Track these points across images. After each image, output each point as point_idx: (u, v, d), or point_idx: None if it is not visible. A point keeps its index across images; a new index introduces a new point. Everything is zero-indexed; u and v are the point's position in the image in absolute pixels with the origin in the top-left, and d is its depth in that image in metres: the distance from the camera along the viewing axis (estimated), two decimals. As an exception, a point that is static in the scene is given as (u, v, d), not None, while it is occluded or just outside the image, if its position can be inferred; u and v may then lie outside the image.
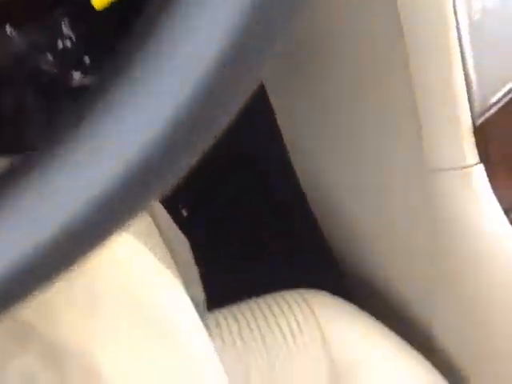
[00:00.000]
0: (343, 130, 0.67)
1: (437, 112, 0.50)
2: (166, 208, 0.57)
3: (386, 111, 0.56)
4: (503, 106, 0.47)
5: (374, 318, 0.62)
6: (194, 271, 0.60)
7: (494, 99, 0.48)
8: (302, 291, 0.64)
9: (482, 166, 0.50)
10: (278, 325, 0.61)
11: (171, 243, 0.53)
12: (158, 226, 0.52)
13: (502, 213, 0.50)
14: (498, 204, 0.50)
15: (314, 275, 0.82)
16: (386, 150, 0.59)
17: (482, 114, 0.48)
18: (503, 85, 0.48)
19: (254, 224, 0.99)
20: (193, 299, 0.45)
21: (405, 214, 0.61)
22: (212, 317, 0.62)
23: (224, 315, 0.63)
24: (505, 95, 0.48)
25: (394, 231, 0.65)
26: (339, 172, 0.72)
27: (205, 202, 1.04)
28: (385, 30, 0.51)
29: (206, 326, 0.49)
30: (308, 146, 0.75)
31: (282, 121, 0.75)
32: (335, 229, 0.79)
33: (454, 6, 0.44)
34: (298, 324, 0.60)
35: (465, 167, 0.50)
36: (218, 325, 0.61)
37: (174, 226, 0.57)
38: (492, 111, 0.48)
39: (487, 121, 0.48)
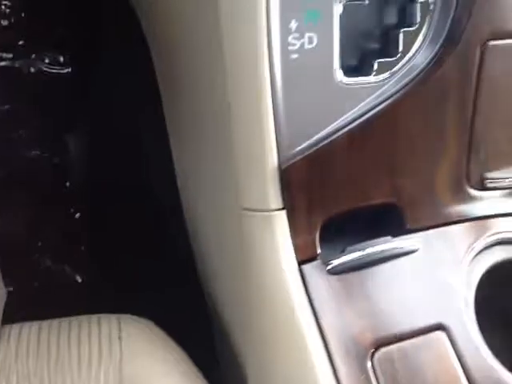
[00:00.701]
0: (198, 161, 0.68)
1: (247, 154, 0.49)
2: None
3: (218, 148, 0.56)
4: (310, 154, 0.47)
5: (179, 348, 0.61)
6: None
7: (301, 147, 0.47)
8: (121, 316, 0.62)
9: (284, 213, 0.49)
10: (78, 347, 0.58)
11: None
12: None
13: (295, 264, 0.49)
14: (293, 254, 0.49)
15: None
16: (220, 186, 0.59)
17: (289, 160, 0.47)
18: (311, 133, 0.47)
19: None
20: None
21: (229, 241, 0.60)
22: (10, 328, 0.60)
23: (27, 329, 0.60)
24: (312, 144, 0.47)
25: (222, 256, 0.65)
26: (199, 203, 0.72)
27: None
28: (213, 77, 0.51)
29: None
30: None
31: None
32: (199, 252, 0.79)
33: (270, 47, 0.44)
34: (100, 349, 0.57)
35: (268, 211, 0.49)
36: (13, 336, 0.59)
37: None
38: (298, 158, 0.47)
39: (293, 167, 0.47)
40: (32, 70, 1.08)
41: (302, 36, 0.44)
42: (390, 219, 0.52)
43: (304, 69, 0.45)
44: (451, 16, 0.45)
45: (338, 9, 0.44)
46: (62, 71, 1.10)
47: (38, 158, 1.09)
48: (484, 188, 0.53)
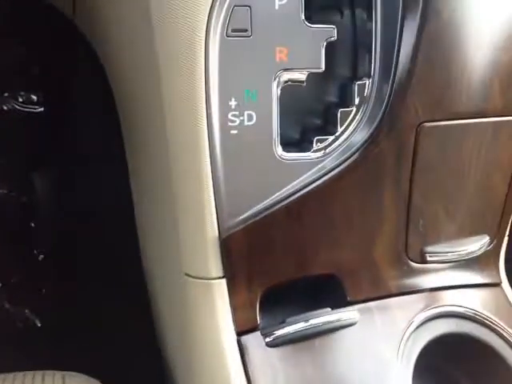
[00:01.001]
0: (152, 217, 0.68)
1: (188, 223, 0.49)
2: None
3: (165, 211, 0.56)
4: (249, 225, 0.47)
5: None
6: None
7: (241, 217, 0.48)
8: (67, 373, 0.61)
9: (224, 281, 0.50)
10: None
11: None
12: None
13: (234, 335, 0.49)
14: (232, 325, 0.49)
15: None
16: (168, 248, 0.59)
17: (229, 230, 0.48)
18: (251, 205, 0.48)
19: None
20: None
21: (176, 304, 0.60)
22: None
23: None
24: (252, 216, 0.48)
25: (171, 317, 0.65)
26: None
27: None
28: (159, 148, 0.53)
29: None
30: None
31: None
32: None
33: (209, 124, 0.45)
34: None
35: (208, 279, 0.50)
36: None
37: None
38: (238, 228, 0.47)
39: (233, 237, 0.48)
40: (4, 107, 1.09)
41: (242, 113, 0.46)
42: (330, 290, 0.52)
43: (244, 144, 0.47)
44: (386, 100, 0.47)
45: (275, 88, 0.46)
46: (34, 110, 1.10)
47: (5, 197, 1.09)
48: (424, 261, 0.54)
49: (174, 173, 0.49)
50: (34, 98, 1.09)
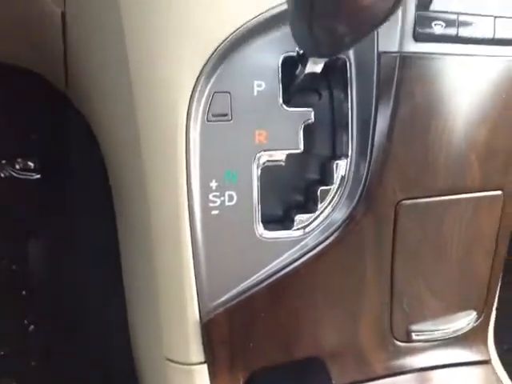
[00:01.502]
0: (137, 295, 0.68)
1: (169, 307, 0.49)
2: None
3: (152, 298, 0.55)
4: (230, 308, 0.47)
5: None
6: None
7: (221, 299, 0.47)
8: None
9: (205, 366, 0.48)
10: None
11: None
12: None
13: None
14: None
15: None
16: (151, 332, 0.58)
17: (210, 313, 0.47)
18: (232, 286, 0.47)
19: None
20: None
21: None
22: None
23: None
24: (233, 297, 0.47)
25: None
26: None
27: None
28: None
29: None
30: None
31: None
32: None
33: (190, 204, 0.46)
34: None
35: (189, 364, 0.48)
36: None
37: None
38: (219, 311, 0.46)
39: (214, 321, 0.46)
40: (1, 174, 1.10)
41: (223, 194, 0.46)
42: (315, 373, 0.51)
43: (225, 224, 0.47)
44: (363, 179, 0.48)
45: (255, 169, 0.47)
46: (31, 177, 1.11)
47: (-3, 264, 1.08)
48: (410, 341, 0.53)
49: (156, 254, 0.49)
50: (31, 164, 1.11)
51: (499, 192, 0.55)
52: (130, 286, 0.72)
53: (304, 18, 0.32)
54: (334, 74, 0.50)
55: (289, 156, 0.48)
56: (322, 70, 0.49)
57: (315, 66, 0.41)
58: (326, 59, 0.40)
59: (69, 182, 1.07)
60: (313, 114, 0.48)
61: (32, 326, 1.07)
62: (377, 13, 0.31)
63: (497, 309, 0.62)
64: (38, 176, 1.12)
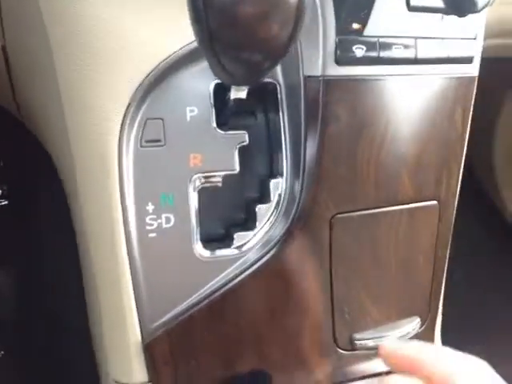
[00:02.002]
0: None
1: (111, 329, 0.50)
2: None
3: (98, 322, 0.56)
4: (171, 328, 0.48)
5: None
6: None
7: (162, 320, 0.48)
8: None
9: (151, 386, 0.49)
10: None
11: None
12: None
13: None
14: None
15: None
16: (103, 353, 0.59)
17: (151, 334, 0.48)
18: (172, 307, 0.48)
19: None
20: None
21: None
22: None
23: None
24: (173, 318, 0.48)
25: None
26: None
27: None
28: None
29: None
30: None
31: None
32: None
33: (126, 227, 0.46)
34: None
35: (134, 385, 0.49)
36: None
37: None
38: (161, 332, 0.48)
39: (156, 342, 0.48)
40: (-30, 202, 1.10)
41: (159, 217, 0.48)
42: (261, 385, 0.52)
43: (163, 246, 0.48)
44: (298, 196, 0.50)
45: (192, 192, 0.48)
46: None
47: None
48: (354, 349, 0.54)
49: (97, 278, 0.50)
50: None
51: (434, 202, 0.58)
52: (90, 309, 0.73)
53: (209, 51, 0.34)
54: (268, 96, 0.52)
55: (227, 176, 0.50)
56: (257, 93, 0.52)
57: (239, 93, 0.43)
58: (247, 86, 0.42)
59: (34, 208, 1.08)
60: (247, 135, 0.50)
61: (1, 352, 1.06)
62: (277, 43, 0.33)
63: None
64: (6, 202, 1.12)
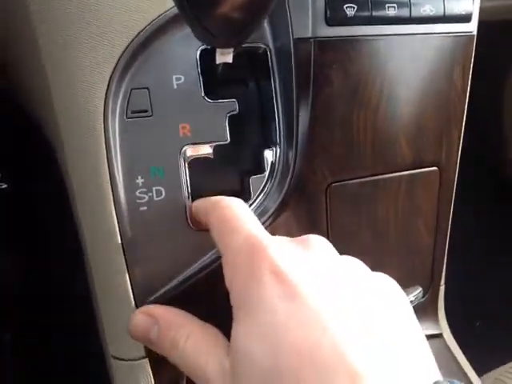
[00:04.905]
0: None
1: (107, 306, 0.49)
2: None
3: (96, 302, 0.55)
4: (168, 300, 0.47)
5: None
6: None
7: (159, 293, 0.47)
8: None
9: (147, 361, 0.48)
10: None
11: None
12: None
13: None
14: None
15: None
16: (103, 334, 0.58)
17: (147, 307, 0.48)
18: (169, 279, 0.47)
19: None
20: None
21: None
22: None
23: None
24: (171, 289, 0.47)
25: None
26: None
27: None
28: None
29: None
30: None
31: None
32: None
33: (116, 202, 0.45)
34: None
35: (131, 360, 0.48)
36: None
37: None
38: (157, 306, 0.47)
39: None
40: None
41: (150, 190, 0.46)
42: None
43: (155, 220, 0.47)
44: (292, 165, 0.48)
45: (182, 163, 0.47)
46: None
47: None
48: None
49: (90, 254, 0.49)
50: (-1, 174, 1.11)
51: (435, 168, 0.56)
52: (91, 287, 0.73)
53: (186, 11, 0.32)
54: (258, 62, 0.51)
55: (219, 147, 0.49)
56: (247, 58, 0.50)
57: (225, 57, 0.41)
58: (232, 49, 0.41)
59: (34, 192, 1.07)
60: (237, 104, 0.48)
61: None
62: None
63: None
64: (5, 186, 1.12)
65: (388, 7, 0.47)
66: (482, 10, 0.54)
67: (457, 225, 0.63)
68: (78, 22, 0.42)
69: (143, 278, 0.48)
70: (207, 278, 0.48)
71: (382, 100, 0.49)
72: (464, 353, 0.64)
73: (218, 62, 0.42)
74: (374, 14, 0.47)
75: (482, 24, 0.55)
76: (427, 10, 0.49)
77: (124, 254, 0.46)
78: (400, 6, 0.48)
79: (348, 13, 0.45)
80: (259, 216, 0.50)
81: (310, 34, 0.45)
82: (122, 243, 0.46)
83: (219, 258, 0.49)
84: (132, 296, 0.47)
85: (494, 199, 1.39)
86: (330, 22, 0.45)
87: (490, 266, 1.29)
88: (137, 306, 0.48)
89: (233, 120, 0.49)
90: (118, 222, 0.46)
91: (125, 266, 0.47)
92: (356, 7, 0.46)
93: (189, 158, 0.48)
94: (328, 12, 0.45)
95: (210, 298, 0.49)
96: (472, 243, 1.21)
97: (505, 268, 1.28)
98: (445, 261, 0.62)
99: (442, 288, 0.63)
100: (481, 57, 0.58)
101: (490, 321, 1.24)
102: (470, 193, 0.96)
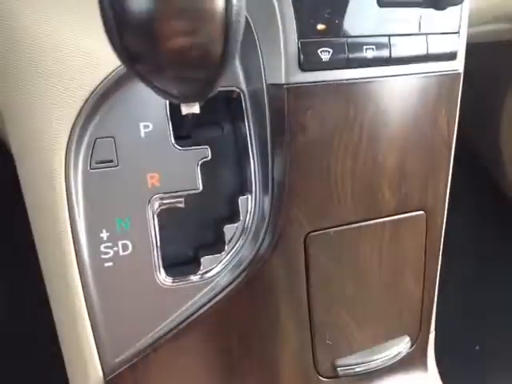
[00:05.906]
0: None
1: (73, 364, 0.46)
2: None
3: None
4: (135, 363, 0.44)
5: None
6: None
7: (124, 355, 0.44)
8: None
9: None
10: None
11: None
12: None
13: None
14: None
15: None
16: None
17: (113, 371, 0.44)
18: (135, 340, 0.44)
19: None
20: None
21: None
22: None
23: None
24: (137, 352, 0.44)
25: None
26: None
27: None
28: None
29: None
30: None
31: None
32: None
33: (79, 258, 0.42)
34: None
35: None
36: None
37: None
38: (123, 368, 0.44)
39: (118, 378, 0.44)
40: None
41: (115, 244, 0.44)
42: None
43: (121, 276, 0.44)
44: (268, 214, 0.45)
45: (150, 214, 0.44)
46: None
47: None
48: (336, 376, 0.50)
49: (55, 312, 0.46)
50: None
51: (421, 212, 0.53)
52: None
53: (135, 74, 0.30)
54: (232, 106, 0.48)
55: (191, 196, 0.46)
56: (221, 101, 0.48)
57: (190, 108, 0.39)
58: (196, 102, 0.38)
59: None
60: (209, 151, 0.46)
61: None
62: (208, 60, 0.28)
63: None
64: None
65: (366, 49, 0.45)
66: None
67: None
68: (36, 66, 0.40)
69: (109, 338, 0.44)
70: (177, 338, 0.45)
71: (360, 147, 0.47)
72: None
73: (184, 113, 0.40)
74: (351, 56, 0.44)
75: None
76: (408, 49, 0.47)
77: (88, 313, 0.44)
78: (379, 47, 0.45)
79: (323, 57, 0.43)
80: (234, 268, 0.47)
81: (283, 80, 0.43)
82: (86, 301, 0.44)
83: (189, 316, 0.46)
84: (97, 357, 0.45)
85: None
86: (304, 66, 0.43)
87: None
88: (102, 367, 0.45)
89: (206, 166, 0.46)
90: (82, 279, 0.43)
91: (89, 325, 0.44)
92: (331, 51, 0.43)
93: (157, 209, 0.45)
94: (301, 57, 0.42)
95: (179, 362, 0.46)
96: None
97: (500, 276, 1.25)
98: (434, 308, 0.59)
99: (432, 335, 0.60)
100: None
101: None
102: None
